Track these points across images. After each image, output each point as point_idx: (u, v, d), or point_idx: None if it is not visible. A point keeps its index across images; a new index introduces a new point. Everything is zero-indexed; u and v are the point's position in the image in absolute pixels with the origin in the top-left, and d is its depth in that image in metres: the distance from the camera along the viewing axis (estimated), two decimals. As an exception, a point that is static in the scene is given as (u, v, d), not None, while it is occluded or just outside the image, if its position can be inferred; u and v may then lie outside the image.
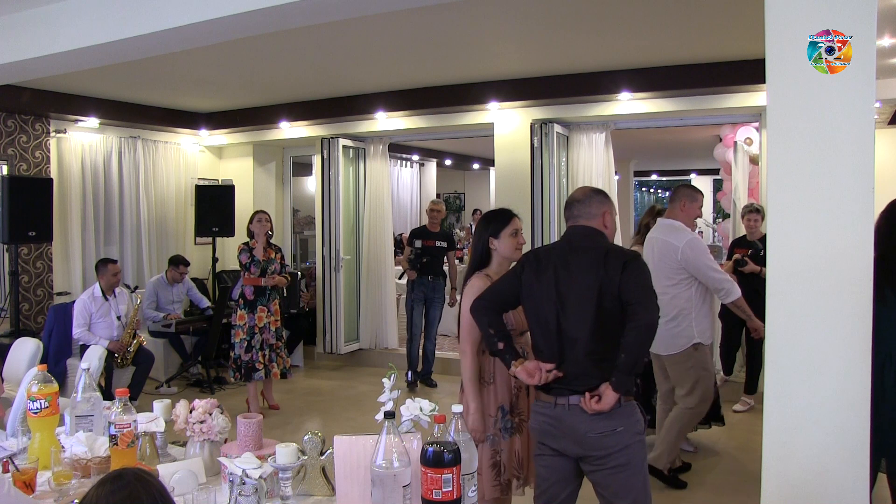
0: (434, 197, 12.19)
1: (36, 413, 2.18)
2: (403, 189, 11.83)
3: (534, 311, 2.53)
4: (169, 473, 1.98)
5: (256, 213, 5.81)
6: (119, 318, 5.82)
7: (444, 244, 6.58)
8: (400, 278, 6.61)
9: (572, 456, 2.47)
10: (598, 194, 2.61)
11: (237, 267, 5.85)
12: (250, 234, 5.71)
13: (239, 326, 5.61)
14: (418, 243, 6.51)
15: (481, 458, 2.72)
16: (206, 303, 7.10)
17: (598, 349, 2.37)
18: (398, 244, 9.41)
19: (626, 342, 2.31)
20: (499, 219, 2.91)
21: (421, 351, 6.76)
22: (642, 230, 4.79)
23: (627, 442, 2.38)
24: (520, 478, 2.81)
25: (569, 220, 2.62)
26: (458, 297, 6.72)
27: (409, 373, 6.66)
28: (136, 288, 6.67)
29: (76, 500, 1.44)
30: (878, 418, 2.47)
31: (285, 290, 7.45)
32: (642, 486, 2.42)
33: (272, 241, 5.86)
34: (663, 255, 4.02)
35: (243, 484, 1.79)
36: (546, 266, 2.51)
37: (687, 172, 16.13)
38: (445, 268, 6.84)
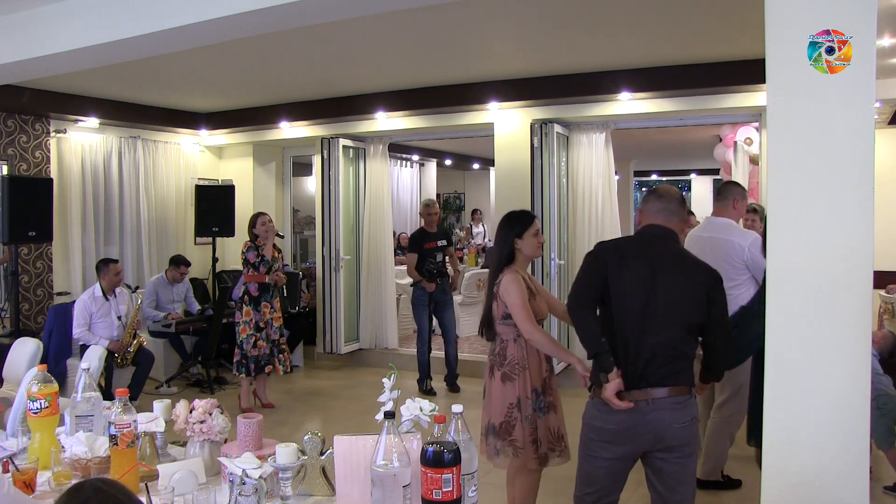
0: (434, 197, 12.17)
1: (36, 413, 2.18)
2: (403, 189, 11.83)
3: (620, 302, 2.55)
4: (169, 473, 1.98)
5: (259, 215, 5.82)
6: (119, 318, 5.82)
7: (444, 242, 6.52)
8: (414, 284, 6.55)
9: (643, 451, 2.57)
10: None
11: (237, 267, 5.87)
12: (253, 236, 5.73)
13: (245, 323, 5.66)
14: (439, 256, 6.41)
15: (524, 435, 3.06)
16: (196, 307, 7.10)
17: (677, 347, 2.51)
18: (399, 245, 9.41)
19: (718, 359, 2.66)
20: (522, 220, 3.21)
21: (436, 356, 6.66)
22: None
23: (696, 430, 2.59)
24: (555, 450, 3.14)
25: (660, 213, 2.66)
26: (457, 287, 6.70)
27: (425, 381, 6.50)
28: (137, 288, 6.68)
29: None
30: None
31: (285, 290, 7.46)
32: (695, 473, 2.62)
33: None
34: (726, 256, 3.86)
35: (243, 484, 1.79)
36: (639, 261, 2.57)
37: (687, 172, 16.13)
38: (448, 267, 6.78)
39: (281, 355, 5.79)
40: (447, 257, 6.57)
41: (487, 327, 3.24)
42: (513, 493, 3.26)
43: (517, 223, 3.20)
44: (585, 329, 2.55)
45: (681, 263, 2.58)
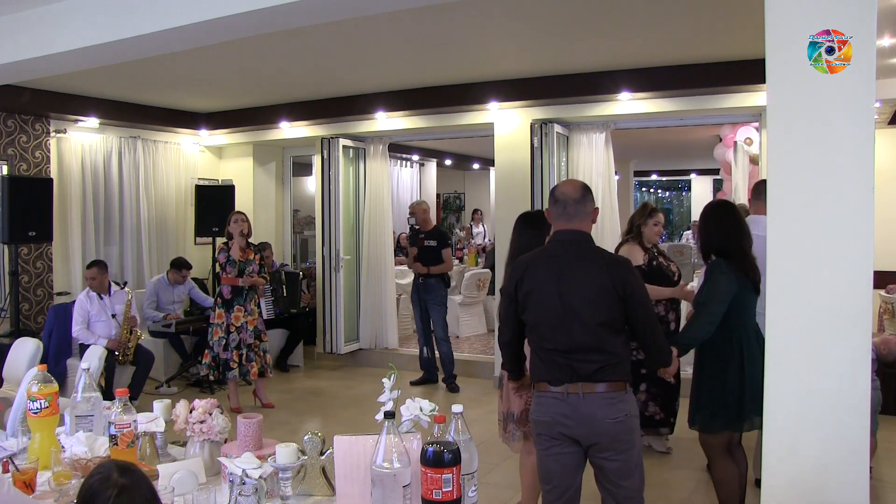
0: (434, 197, 12.20)
1: (36, 413, 2.18)
2: (403, 189, 11.81)
3: (536, 312, 2.60)
4: (169, 473, 1.98)
5: (232, 213, 5.88)
6: (114, 315, 5.81)
7: (434, 242, 6.48)
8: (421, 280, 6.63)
9: (584, 442, 2.56)
10: (589, 191, 2.70)
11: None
12: (229, 235, 5.78)
13: (217, 325, 5.70)
14: (412, 220, 6.67)
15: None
16: (210, 301, 7.09)
17: (600, 346, 2.51)
18: (399, 245, 9.41)
19: (648, 347, 2.71)
20: (544, 218, 3.28)
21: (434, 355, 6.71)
22: (635, 231, 4.55)
23: (632, 425, 2.55)
24: None
25: (560, 217, 2.65)
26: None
27: (422, 377, 6.66)
28: (126, 283, 6.66)
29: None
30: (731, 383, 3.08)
31: (285, 290, 7.46)
32: (640, 464, 2.59)
33: (253, 242, 5.90)
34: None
35: (243, 484, 1.79)
36: (548, 269, 2.60)
37: (687, 172, 16.13)
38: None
39: (257, 358, 5.75)
40: (438, 256, 6.54)
41: None
42: (524, 475, 3.35)
43: (540, 221, 3.29)
44: (512, 362, 2.86)
45: (588, 263, 2.57)
